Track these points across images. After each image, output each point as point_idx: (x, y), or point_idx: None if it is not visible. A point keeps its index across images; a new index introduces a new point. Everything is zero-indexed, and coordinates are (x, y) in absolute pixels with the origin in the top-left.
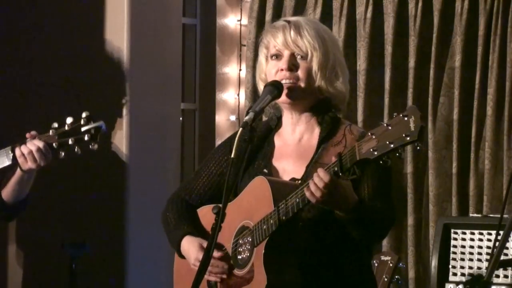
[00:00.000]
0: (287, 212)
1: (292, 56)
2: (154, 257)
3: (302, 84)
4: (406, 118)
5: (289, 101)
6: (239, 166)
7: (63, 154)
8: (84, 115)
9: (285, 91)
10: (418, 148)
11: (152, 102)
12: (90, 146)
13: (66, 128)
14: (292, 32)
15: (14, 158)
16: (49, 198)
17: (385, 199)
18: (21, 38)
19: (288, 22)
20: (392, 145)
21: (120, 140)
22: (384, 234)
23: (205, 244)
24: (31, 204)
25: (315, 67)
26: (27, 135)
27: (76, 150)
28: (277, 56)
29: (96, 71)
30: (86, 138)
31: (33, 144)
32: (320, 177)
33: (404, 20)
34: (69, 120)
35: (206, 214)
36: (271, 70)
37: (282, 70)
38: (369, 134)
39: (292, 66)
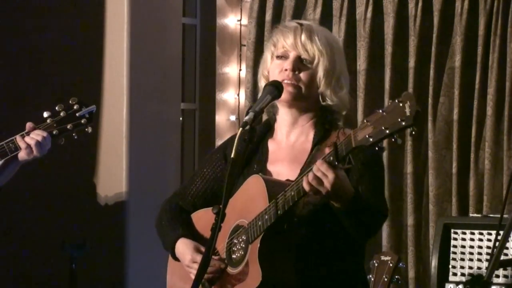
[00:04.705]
0: (282, 206)
1: (298, 58)
2: (154, 257)
3: (303, 87)
4: (401, 104)
5: (288, 100)
6: (239, 166)
7: (63, 140)
8: (72, 101)
9: (285, 90)
10: (413, 133)
11: (152, 102)
12: (86, 129)
13: (62, 115)
14: (303, 35)
15: (15, 149)
16: (49, 198)
17: (379, 197)
18: (21, 38)
19: (301, 24)
20: (387, 131)
21: (120, 140)
22: (375, 230)
23: (201, 248)
24: (31, 204)
25: (320, 73)
26: (27, 126)
27: (74, 135)
28: (283, 56)
29: (96, 71)
30: (82, 122)
31: (38, 135)
32: (317, 166)
33: (404, 20)
34: (59, 107)
35: (201, 218)
36: (275, 69)
37: (286, 70)
38: (365, 121)
39: (296, 68)
